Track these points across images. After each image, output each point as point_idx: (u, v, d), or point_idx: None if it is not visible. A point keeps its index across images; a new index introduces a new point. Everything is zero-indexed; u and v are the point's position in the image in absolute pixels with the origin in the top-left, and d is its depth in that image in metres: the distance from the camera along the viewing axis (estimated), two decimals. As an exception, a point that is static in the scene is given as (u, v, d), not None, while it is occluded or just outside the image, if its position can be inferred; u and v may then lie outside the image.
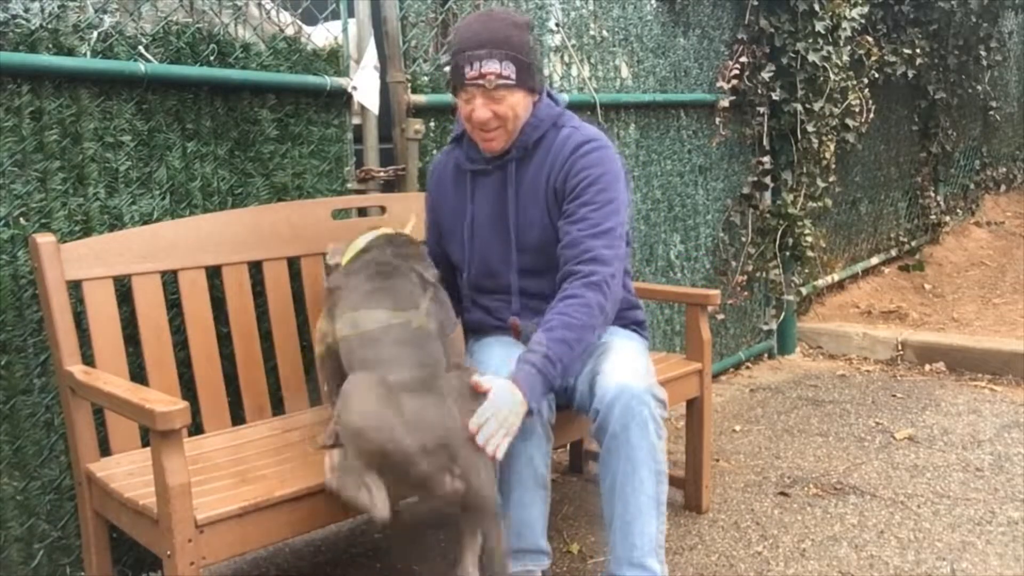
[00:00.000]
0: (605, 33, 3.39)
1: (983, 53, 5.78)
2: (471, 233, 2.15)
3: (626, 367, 1.97)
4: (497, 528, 1.82)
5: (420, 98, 2.67)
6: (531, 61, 1.99)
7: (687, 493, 2.73)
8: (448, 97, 2.75)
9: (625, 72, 3.51)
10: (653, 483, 1.93)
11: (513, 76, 1.95)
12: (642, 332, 2.30)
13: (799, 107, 4.01)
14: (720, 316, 4.05)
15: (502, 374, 1.89)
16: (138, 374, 2.08)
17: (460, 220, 2.18)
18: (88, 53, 2.04)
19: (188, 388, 2.16)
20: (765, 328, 4.44)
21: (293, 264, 2.37)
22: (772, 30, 3.95)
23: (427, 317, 1.93)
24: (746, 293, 4.20)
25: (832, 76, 4.01)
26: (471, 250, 2.16)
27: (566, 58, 3.24)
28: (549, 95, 2.13)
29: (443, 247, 2.26)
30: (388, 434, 1.68)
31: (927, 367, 4.24)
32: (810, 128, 4.05)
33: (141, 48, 2.13)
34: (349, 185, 2.58)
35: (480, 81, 1.95)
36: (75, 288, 1.98)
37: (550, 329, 1.89)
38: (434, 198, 2.28)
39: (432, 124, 2.75)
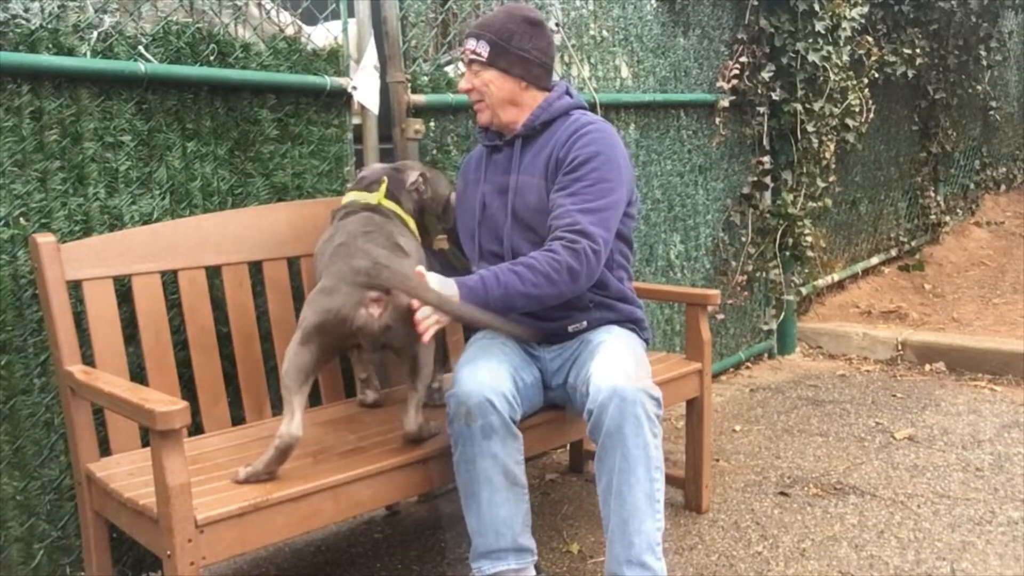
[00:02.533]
0: (605, 33, 3.39)
1: (983, 53, 5.78)
2: (483, 203, 2.25)
3: (618, 366, 1.97)
4: (425, 368, 2.00)
5: (420, 98, 2.67)
6: (511, 47, 2.13)
7: (687, 493, 2.73)
8: (448, 97, 2.75)
9: (625, 72, 3.51)
10: (649, 481, 1.93)
11: (484, 55, 2.13)
12: (640, 330, 2.30)
13: (799, 107, 4.01)
14: (720, 316, 4.05)
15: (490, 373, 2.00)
16: (138, 374, 2.08)
17: (475, 192, 2.28)
18: (88, 53, 2.04)
19: (188, 388, 2.16)
20: (765, 328, 4.44)
21: (293, 264, 2.37)
22: (772, 30, 3.95)
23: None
24: (746, 293, 4.20)
25: (832, 76, 4.01)
26: (482, 216, 2.24)
27: (566, 58, 3.24)
28: (569, 93, 2.26)
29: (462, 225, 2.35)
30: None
31: (927, 367, 4.24)
32: (810, 128, 4.05)
33: (141, 48, 2.13)
34: (349, 185, 2.57)
35: (461, 55, 2.21)
36: (75, 288, 1.98)
37: (513, 263, 2.00)
38: (460, 183, 2.40)
39: (432, 124, 2.75)
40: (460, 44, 2.28)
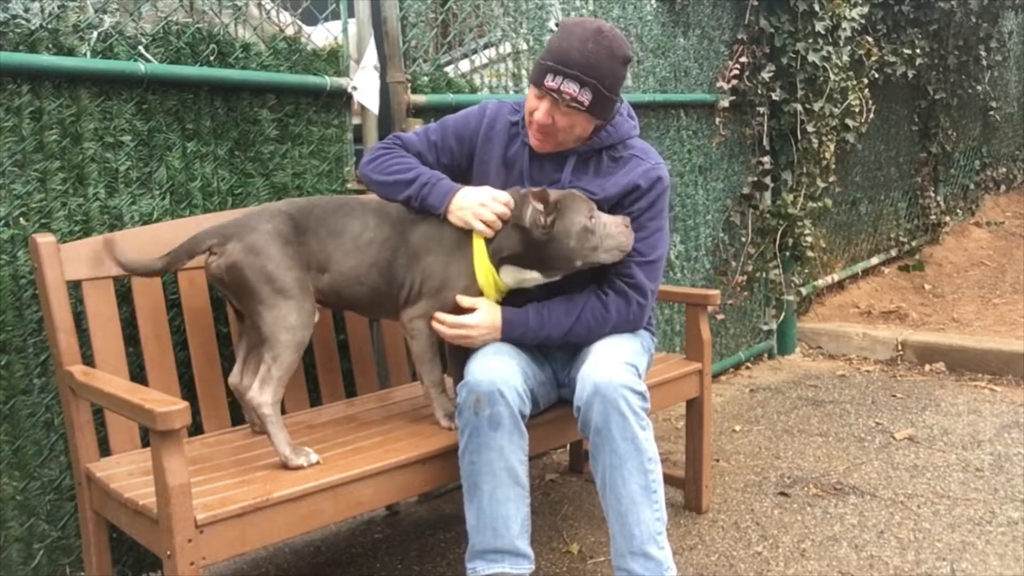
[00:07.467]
0: (605, 33, 3.39)
1: (983, 53, 5.78)
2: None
3: (603, 362, 1.99)
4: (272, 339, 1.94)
5: (420, 98, 2.67)
6: (611, 95, 2.05)
7: (687, 493, 2.73)
8: (448, 97, 2.75)
9: (625, 72, 3.51)
10: (643, 473, 1.94)
11: (586, 103, 2.01)
12: (647, 327, 2.29)
13: (799, 107, 4.01)
14: (720, 316, 4.05)
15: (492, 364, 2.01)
16: (138, 374, 2.08)
17: (505, 175, 2.20)
18: (88, 53, 2.04)
19: (188, 388, 2.16)
20: (765, 328, 4.44)
21: (293, 264, 2.36)
22: (772, 30, 3.95)
23: None
24: (746, 293, 4.20)
25: (832, 76, 4.01)
26: None
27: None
28: (630, 115, 2.26)
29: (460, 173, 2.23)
30: None
31: (927, 367, 4.24)
32: (810, 128, 4.05)
33: (141, 48, 2.13)
34: (349, 185, 2.58)
35: (555, 94, 2.01)
36: (75, 288, 1.98)
37: (563, 308, 2.10)
38: (472, 134, 2.24)
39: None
40: (548, 74, 2.00)
